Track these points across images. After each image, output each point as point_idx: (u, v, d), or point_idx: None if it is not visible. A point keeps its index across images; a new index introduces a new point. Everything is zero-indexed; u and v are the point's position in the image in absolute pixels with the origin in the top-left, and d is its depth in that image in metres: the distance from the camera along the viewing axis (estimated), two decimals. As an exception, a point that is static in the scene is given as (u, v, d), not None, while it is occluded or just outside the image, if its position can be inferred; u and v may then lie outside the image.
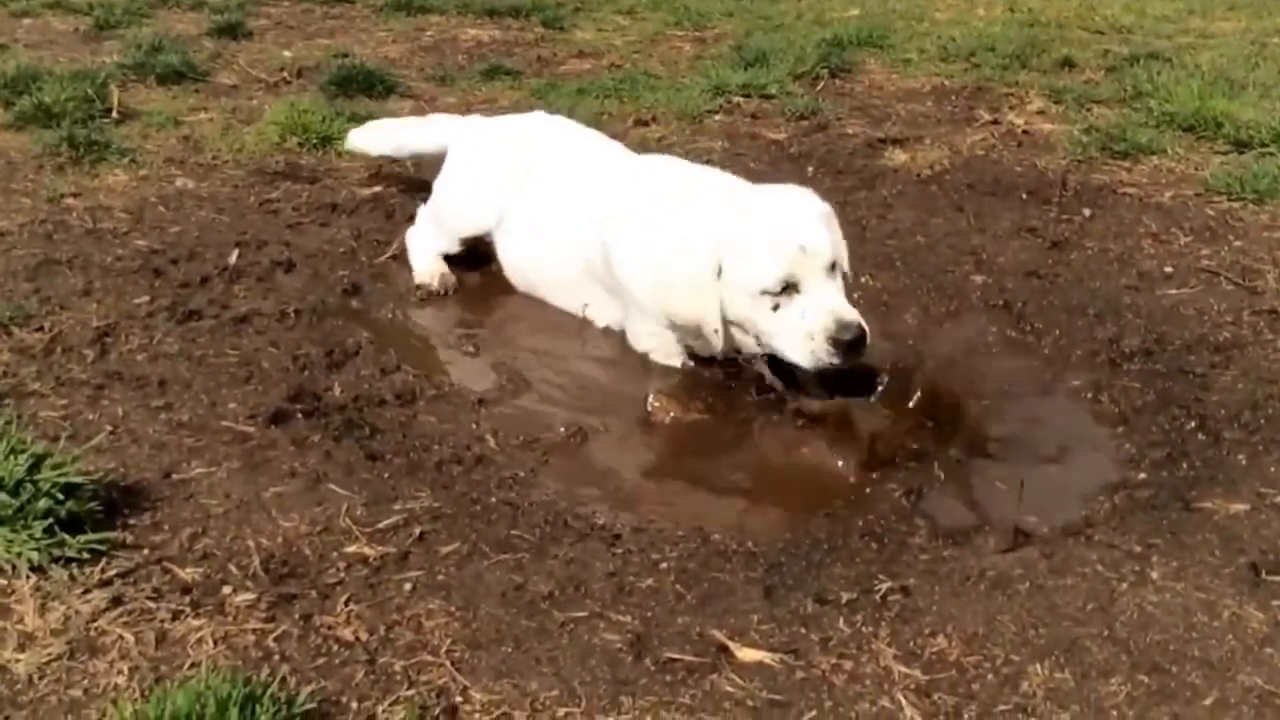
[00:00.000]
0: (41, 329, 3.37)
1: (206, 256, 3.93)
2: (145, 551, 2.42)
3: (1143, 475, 3.00)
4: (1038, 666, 2.29)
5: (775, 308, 3.15)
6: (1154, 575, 2.55)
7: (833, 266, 3.20)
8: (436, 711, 2.10)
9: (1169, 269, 4.08)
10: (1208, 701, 2.22)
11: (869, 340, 3.13)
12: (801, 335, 3.12)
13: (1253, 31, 6.96)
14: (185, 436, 2.88)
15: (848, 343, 3.08)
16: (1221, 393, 3.32)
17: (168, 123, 5.06)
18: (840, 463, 3.10)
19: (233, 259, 3.89)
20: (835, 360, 3.10)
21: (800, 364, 3.15)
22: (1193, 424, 3.20)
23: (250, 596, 2.33)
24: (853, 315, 3.12)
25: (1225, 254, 4.18)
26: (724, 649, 2.32)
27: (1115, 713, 2.19)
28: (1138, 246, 4.23)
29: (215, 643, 2.21)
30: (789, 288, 3.14)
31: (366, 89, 5.51)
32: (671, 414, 3.28)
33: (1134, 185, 4.77)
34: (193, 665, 2.14)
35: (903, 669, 2.28)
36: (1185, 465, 3.02)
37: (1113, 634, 2.38)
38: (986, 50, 6.47)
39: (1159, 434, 3.16)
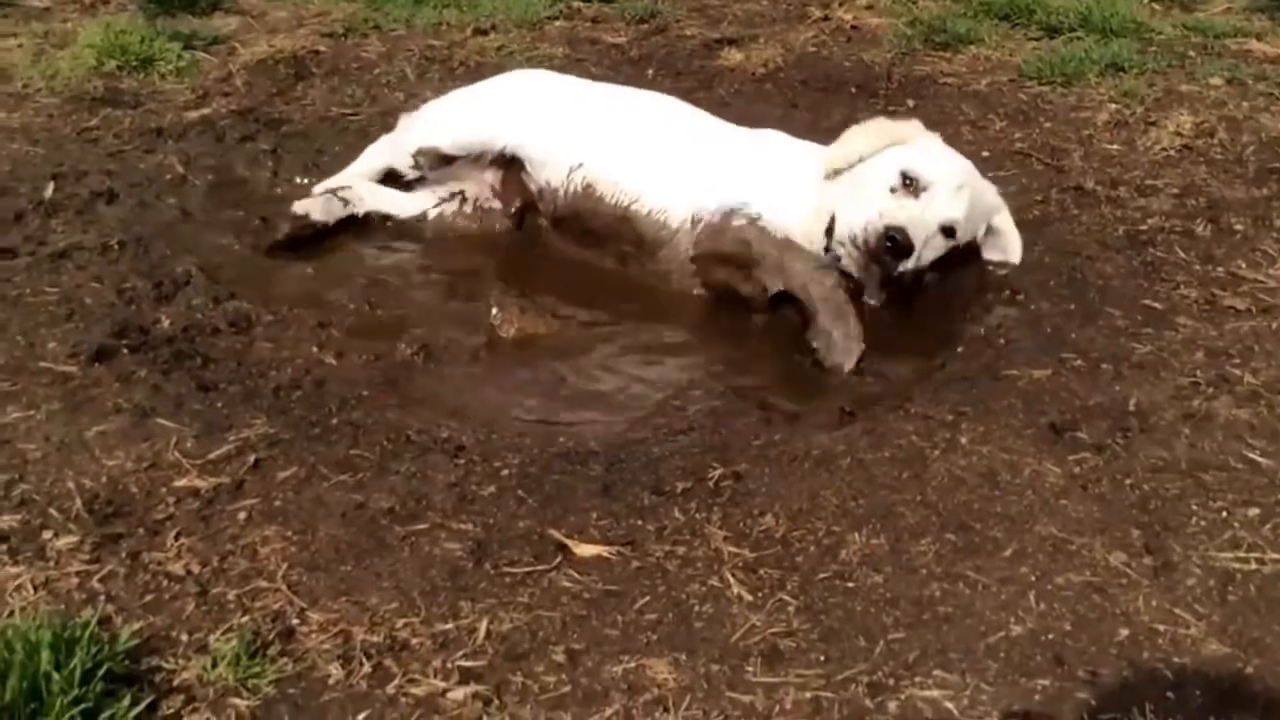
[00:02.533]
0: None
1: (20, 191, 3.77)
2: (-43, 506, 2.35)
3: (960, 349, 3.15)
4: (856, 535, 2.42)
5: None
6: (963, 441, 2.71)
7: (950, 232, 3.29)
8: (271, 635, 2.11)
9: (985, 153, 4.21)
10: (1007, 553, 2.39)
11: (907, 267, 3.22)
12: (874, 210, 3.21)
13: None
14: (0, 381, 2.78)
15: (895, 239, 3.15)
16: (1031, 269, 3.49)
17: (-33, 48, 4.80)
18: (685, 361, 3.18)
19: (48, 192, 3.75)
20: (871, 242, 3.19)
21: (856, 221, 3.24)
22: (1004, 296, 3.38)
23: (73, 540, 2.29)
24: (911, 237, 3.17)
25: (1036, 136, 4.37)
26: (563, 547, 2.37)
27: (925, 570, 2.34)
28: (957, 134, 4.33)
29: (35, 589, 2.17)
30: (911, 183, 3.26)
31: (189, 5, 5.30)
32: (515, 326, 3.27)
33: (954, 75, 4.92)
34: (10, 615, 2.09)
35: (732, 549, 2.38)
36: (1000, 339, 3.17)
37: (924, 498, 2.53)
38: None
39: (974, 310, 3.33)
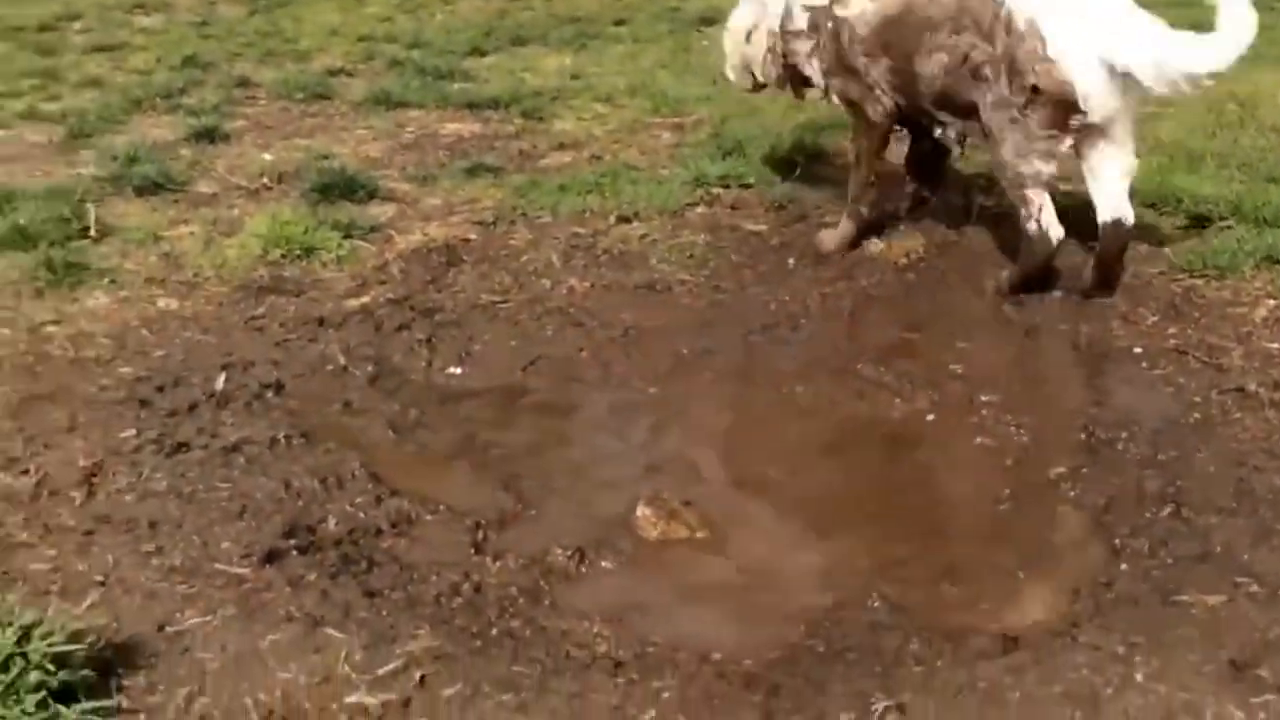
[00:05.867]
0: (27, 471, 3.37)
1: (193, 381, 3.95)
2: (141, 717, 2.41)
3: (1124, 567, 3.06)
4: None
5: None
6: (1138, 677, 2.61)
7: None
8: None
9: (1139, 349, 4.17)
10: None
11: None
12: None
13: (1211, 97, 7.06)
14: (178, 583, 2.88)
15: None
16: (1194, 477, 3.39)
17: (147, 239, 5.08)
18: (827, 570, 3.16)
19: (219, 384, 3.91)
20: None
21: None
22: (1168, 510, 3.26)
23: (253, 764, 2.32)
24: None
25: (1191, 332, 4.28)
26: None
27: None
28: (1108, 328, 4.32)
29: (220, 815, 2.19)
30: None
31: (348, 194, 5.55)
32: (659, 527, 3.29)
33: None
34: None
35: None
36: (1164, 555, 3.07)
37: (1103, 744, 2.41)
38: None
39: (1139, 523, 3.23)
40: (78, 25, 9.79)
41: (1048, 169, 4.40)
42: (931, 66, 4.51)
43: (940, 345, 4.29)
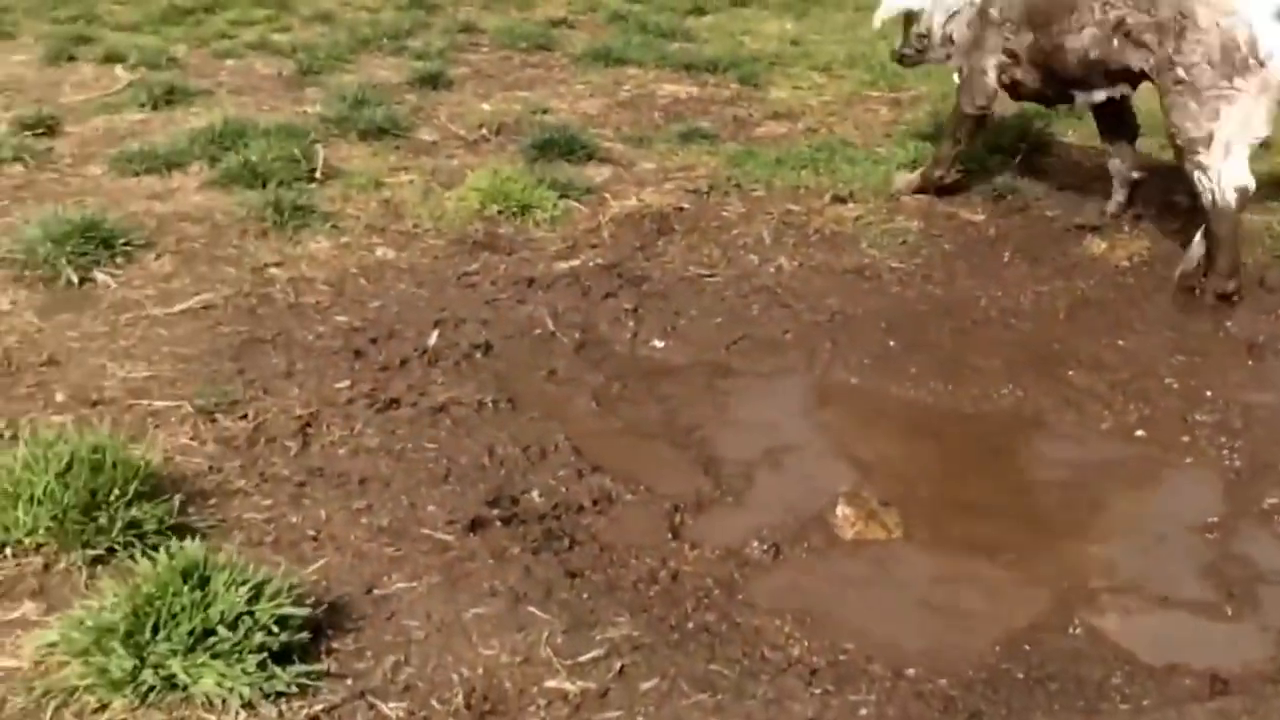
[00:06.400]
0: (245, 416, 3.47)
1: (406, 335, 4.02)
2: (349, 683, 2.46)
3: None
4: None
5: None
6: None
7: None
8: None
9: None
10: None
11: None
12: None
13: None
14: (385, 545, 2.94)
15: None
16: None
17: (369, 185, 5.20)
18: (1025, 589, 3.07)
19: (432, 340, 3.98)
20: None
21: None
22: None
23: (452, 735, 2.36)
24: None
25: None
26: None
27: None
28: None
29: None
30: None
31: (567, 153, 5.57)
32: (855, 528, 3.23)
33: None
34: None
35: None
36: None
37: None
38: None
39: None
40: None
41: (1223, 131, 4.25)
42: (1082, 40, 4.50)
43: (1156, 357, 4.11)
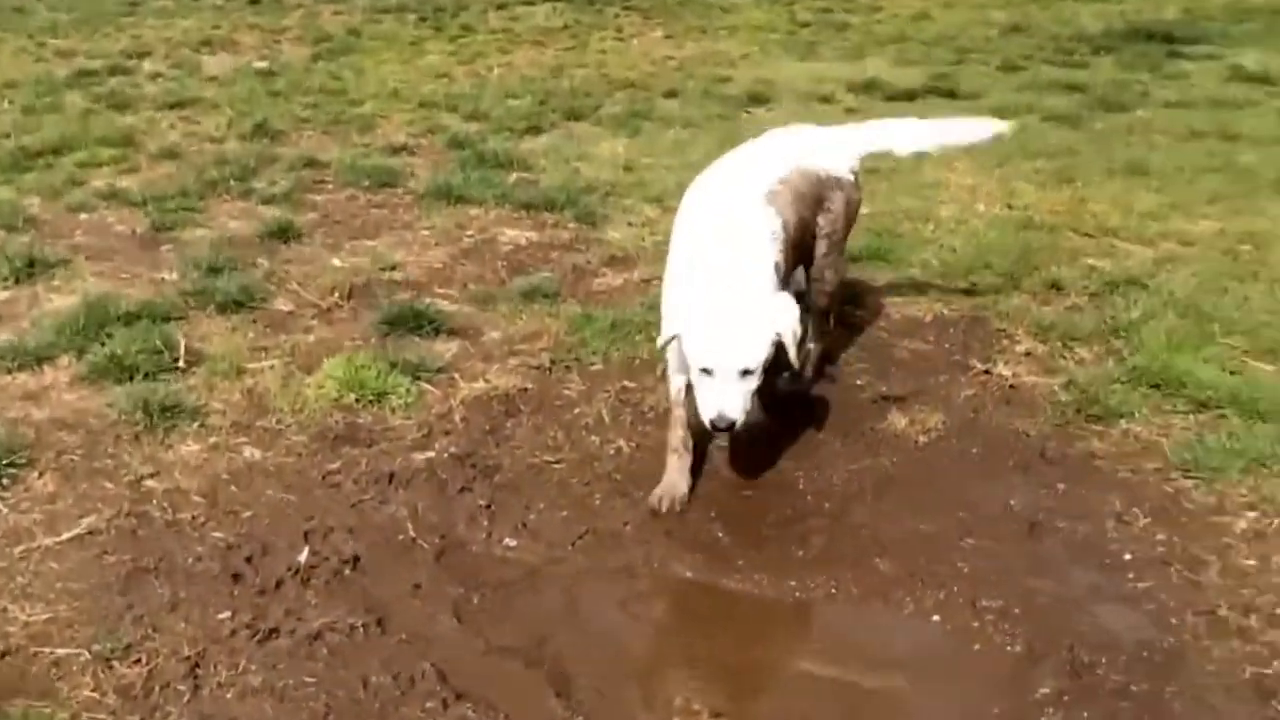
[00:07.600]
0: (139, 660, 3.79)
1: (279, 549, 4.37)
2: None
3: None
4: None
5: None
6: None
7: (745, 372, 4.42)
8: None
9: (1129, 555, 4.42)
10: None
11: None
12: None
13: (1227, 236, 7.40)
14: (281, 802, 3.30)
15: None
16: (1160, 716, 3.65)
17: (231, 371, 5.52)
18: None
19: (303, 557, 4.34)
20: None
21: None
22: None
23: None
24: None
25: (1177, 541, 4.50)
26: None
27: None
28: (1101, 529, 4.59)
29: None
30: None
31: (416, 328, 5.97)
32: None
33: (1104, 456, 5.11)
34: None
35: None
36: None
37: None
38: (984, 268, 6.93)
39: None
40: (147, 66, 10.24)
41: None
42: None
43: (950, 541, 4.56)
